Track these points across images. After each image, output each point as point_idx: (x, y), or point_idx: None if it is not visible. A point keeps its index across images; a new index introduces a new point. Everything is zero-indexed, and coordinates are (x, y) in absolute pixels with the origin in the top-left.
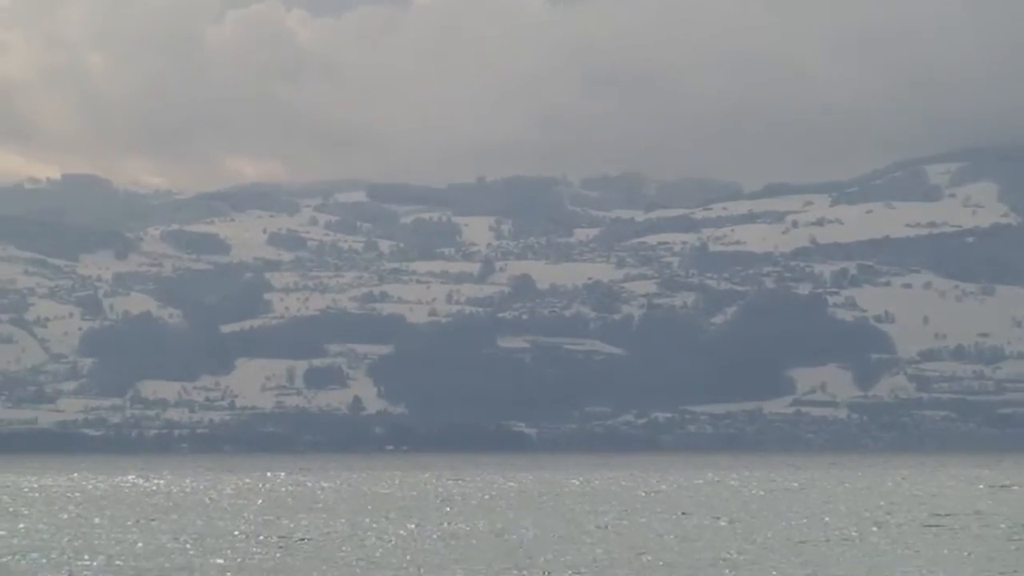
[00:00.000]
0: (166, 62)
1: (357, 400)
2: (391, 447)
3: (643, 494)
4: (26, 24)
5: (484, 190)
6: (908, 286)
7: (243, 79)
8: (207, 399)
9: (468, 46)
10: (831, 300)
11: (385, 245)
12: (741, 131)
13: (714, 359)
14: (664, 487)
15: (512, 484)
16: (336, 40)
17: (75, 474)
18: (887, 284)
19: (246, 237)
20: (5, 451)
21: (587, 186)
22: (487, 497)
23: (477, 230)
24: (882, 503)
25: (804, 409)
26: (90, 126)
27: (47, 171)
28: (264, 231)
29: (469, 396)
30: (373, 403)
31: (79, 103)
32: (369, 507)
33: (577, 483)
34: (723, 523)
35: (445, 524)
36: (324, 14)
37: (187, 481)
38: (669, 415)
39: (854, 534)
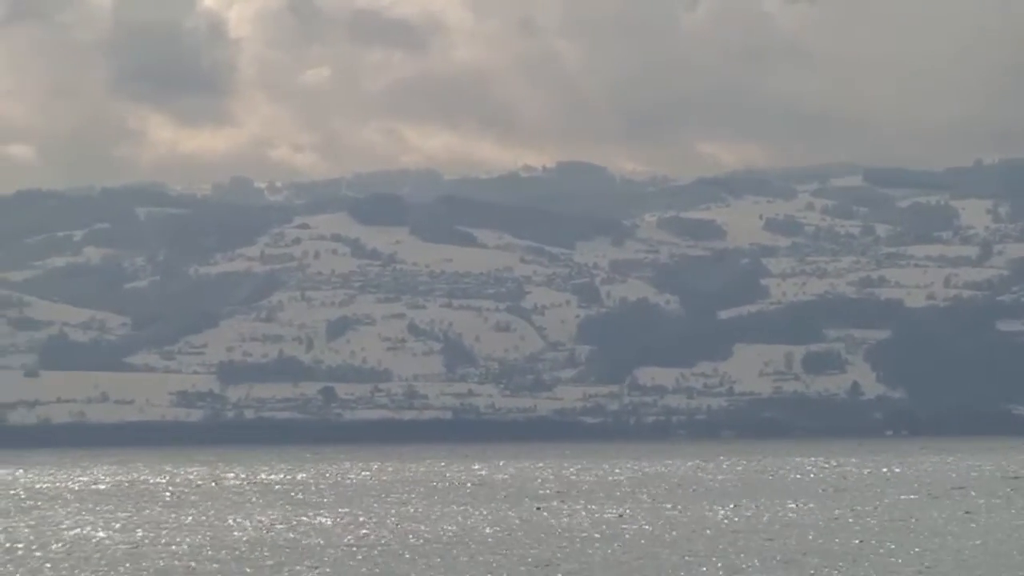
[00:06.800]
0: (641, 49)
1: (856, 385)
2: (890, 432)
3: None
4: (502, 14)
5: (981, 173)
6: None
7: (719, 65)
8: (705, 385)
9: (950, 29)
10: None
11: (882, 229)
12: None
13: None
14: None
15: None
16: (812, 24)
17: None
18: None
19: (742, 223)
20: (504, 439)
21: None
22: None
23: (974, 213)
24: None
25: None
26: (574, 114)
27: (538, 159)
28: (760, 217)
29: (968, 380)
30: (872, 388)
31: (560, 91)
32: None
33: None
34: None
35: None
36: None
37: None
38: None
39: None
